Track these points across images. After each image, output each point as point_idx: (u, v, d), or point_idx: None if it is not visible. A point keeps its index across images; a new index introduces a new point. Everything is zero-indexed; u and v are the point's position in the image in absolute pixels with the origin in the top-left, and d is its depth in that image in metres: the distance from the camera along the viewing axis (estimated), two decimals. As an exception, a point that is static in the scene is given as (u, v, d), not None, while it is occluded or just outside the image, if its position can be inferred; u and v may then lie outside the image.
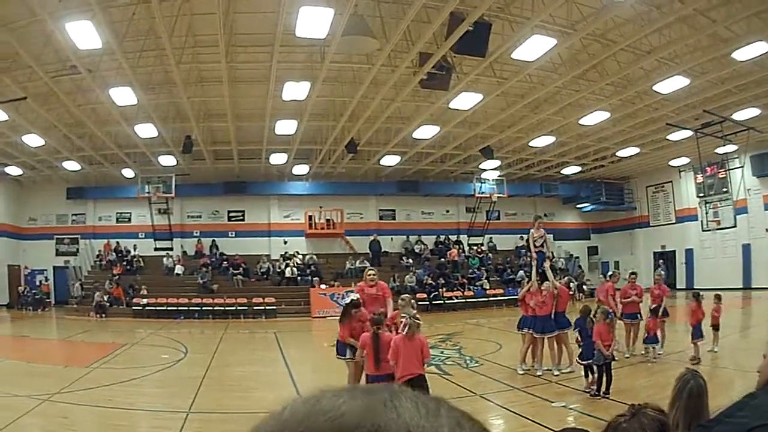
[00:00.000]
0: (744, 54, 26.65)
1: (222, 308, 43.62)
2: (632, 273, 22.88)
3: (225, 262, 49.94)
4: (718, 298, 20.93)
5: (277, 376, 20.06)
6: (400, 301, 15.69)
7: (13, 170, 46.67)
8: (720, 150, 41.58)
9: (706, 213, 43.59)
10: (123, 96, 29.52)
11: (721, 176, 45.46)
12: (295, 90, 29.41)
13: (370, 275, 16.46)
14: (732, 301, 33.88)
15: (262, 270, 49.34)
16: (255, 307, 43.71)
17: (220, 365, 22.35)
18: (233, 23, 24.37)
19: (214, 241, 52.59)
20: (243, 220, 54.12)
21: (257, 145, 41.53)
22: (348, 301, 15.73)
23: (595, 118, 36.50)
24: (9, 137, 36.96)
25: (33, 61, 25.39)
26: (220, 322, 41.22)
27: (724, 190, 44.67)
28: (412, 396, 1.07)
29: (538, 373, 18.20)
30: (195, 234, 53.26)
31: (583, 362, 16.04)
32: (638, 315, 20.97)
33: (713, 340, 20.43)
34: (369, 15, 22.25)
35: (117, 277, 46.66)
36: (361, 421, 1.00)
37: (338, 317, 15.72)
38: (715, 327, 20.45)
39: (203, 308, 43.50)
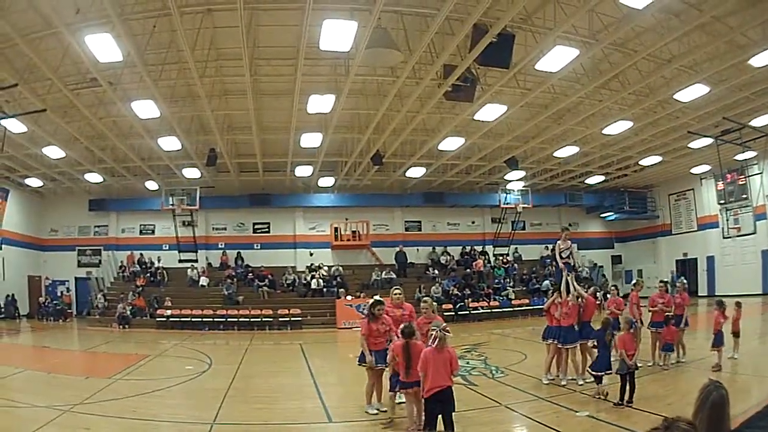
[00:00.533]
0: (761, 60, 26.65)
1: (247, 320, 43.56)
2: (661, 282, 22.59)
3: (250, 274, 49.81)
4: (738, 305, 20.84)
5: (302, 387, 19.90)
6: (422, 304, 15.74)
7: (34, 182, 46.82)
8: (739, 157, 41.41)
9: (727, 220, 43.53)
10: (145, 109, 29.51)
11: (740, 183, 45.40)
12: (320, 103, 29.41)
13: (396, 295, 16.65)
14: (752, 307, 33.79)
15: (287, 281, 49.27)
16: (280, 319, 43.59)
17: (245, 376, 22.20)
18: (256, 36, 24.42)
19: (239, 252, 52.53)
20: (268, 232, 54.19)
21: (282, 157, 41.57)
22: (372, 301, 15.81)
23: (618, 127, 36.54)
24: (29, 149, 37.12)
25: (52, 73, 25.47)
26: (245, 333, 41.20)
27: (744, 196, 44.57)
28: None
29: (563, 383, 18.06)
30: (220, 246, 53.41)
31: (594, 372, 16.05)
32: (665, 324, 20.57)
33: (734, 347, 20.40)
34: (393, 27, 22.31)
35: (140, 288, 46.82)
36: None
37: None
38: (736, 334, 20.40)
39: (228, 320, 43.47)
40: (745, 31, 24.81)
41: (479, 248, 57.10)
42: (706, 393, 5.46)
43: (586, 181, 54.99)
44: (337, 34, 21.38)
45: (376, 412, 15.08)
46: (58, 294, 51.32)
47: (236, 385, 19.97)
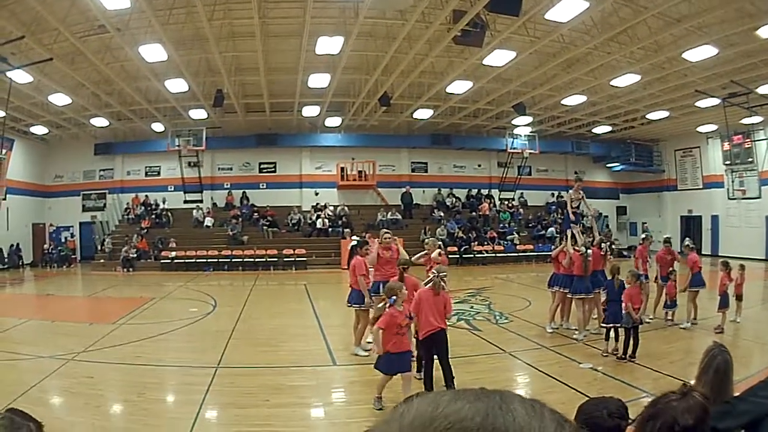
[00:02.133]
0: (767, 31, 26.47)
1: (252, 260, 43.97)
2: (667, 238, 22.69)
3: (256, 214, 50.13)
4: (742, 267, 20.80)
5: (306, 329, 20.14)
6: (425, 244, 15.85)
7: (39, 129, 46.62)
8: (746, 120, 41.67)
9: (732, 181, 43.35)
10: (153, 53, 29.31)
11: (746, 146, 45.55)
12: (329, 44, 29.21)
13: (385, 238, 16.79)
14: (754, 272, 33.81)
15: (293, 221, 49.58)
16: (285, 259, 44.07)
17: (249, 318, 22.52)
18: None
19: (244, 192, 52.57)
20: (274, 171, 54.01)
21: (290, 98, 41.30)
22: (354, 243, 16.56)
23: (626, 80, 36.29)
24: (34, 98, 36.95)
25: (59, 23, 25.27)
26: (249, 273, 41.45)
27: (750, 160, 44.76)
28: (520, 399, 1.25)
29: (570, 330, 18.51)
30: (225, 186, 53.27)
31: (607, 325, 16.04)
32: (668, 279, 20.52)
33: (736, 311, 20.32)
34: None
35: (145, 230, 47.05)
36: (482, 424, 1.14)
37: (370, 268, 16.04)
38: (739, 297, 20.34)
39: (233, 260, 43.94)
40: (753, 1, 24.60)
41: (485, 192, 57.29)
42: (710, 357, 5.49)
43: (593, 131, 54.78)
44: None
45: (366, 354, 15.37)
46: (63, 240, 51.46)
47: (240, 327, 20.33)
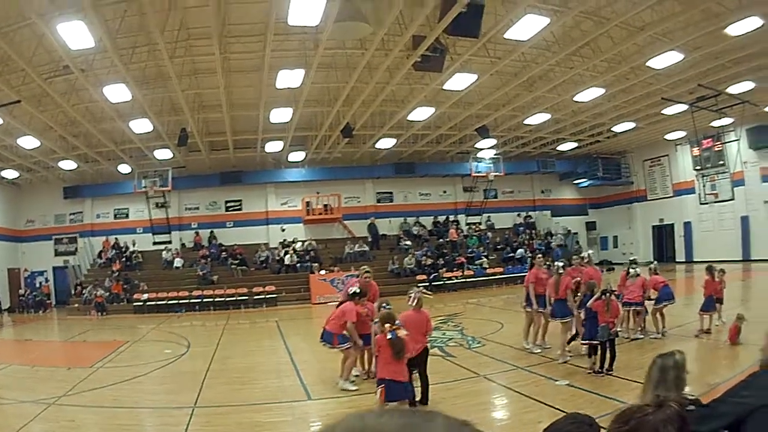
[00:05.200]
0: (737, 29, 26.67)
1: (222, 299, 43.68)
2: (632, 262, 22.49)
3: (224, 253, 50.03)
4: (722, 272, 21.10)
5: (280, 365, 20.27)
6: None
7: (10, 173, 46.54)
8: (716, 123, 41.90)
9: (704, 186, 43.57)
10: (117, 93, 29.44)
11: (717, 149, 45.65)
12: (290, 77, 29.35)
13: (366, 277, 17.61)
14: (732, 273, 33.95)
15: (261, 259, 49.38)
16: (255, 297, 43.84)
17: (223, 357, 22.48)
18: (225, 14, 24.23)
19: (212, 232, 52.56)
20: (240, 209, 54.14)
21: (253, 134, 41.42)
22: (353, 290, 16.46)
23: (590, 94, 36.60)
24: (3, 141, 36.96)
25: (26, 64, 25.29)
26: (221, 313, 41.33)
27: (721, 162, 44.81)
28: (444, 417, 1.33)
29: (536, 351, 18.75)
30: (193, 226, 53.32)
31: (585, 342, 16.27)
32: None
33: (717, 313, 20.55)
34: (361, 0, 22.12)
35: (116, 273, 46.69)
36: None
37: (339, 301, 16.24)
38: (720, 300, 20.58)
39: (204, 300, 43.63)
40: (720, 1, 24.83)
41: (452, 218, 57.39)
42: (653, 363, 6.03)
43: (558, 148, 55.21)
44: (306, 9, 21.29)
45: (355, 389, 15.51)
46: (37, 285, 51.18)
47: (214, 367, 20.32)
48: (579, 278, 18.99)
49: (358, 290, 16.55)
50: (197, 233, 52.77)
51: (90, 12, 20.76)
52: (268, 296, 43.88)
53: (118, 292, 44.58)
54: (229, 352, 23.73)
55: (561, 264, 19.48)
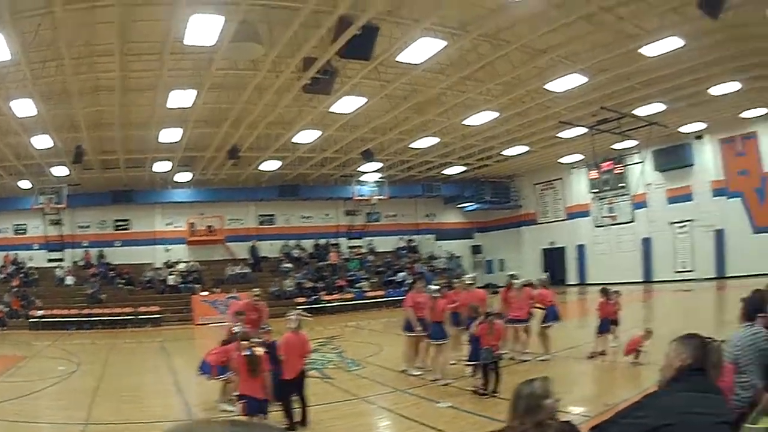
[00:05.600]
0: (654, 49, 26.99)
1: (110, 318, 43.52)
2: (511, 275, 23.49)
3: (112, 272, 49.90)
4: (617, 293, 21.28)
5: (164, 385, 20.38)
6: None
7: None
8: (618, 146, 42.34)
9: (600, 209, 43.97)
10: (24, 107, 29.05)
11: (617, 172, 46.26)
12: (182, 97, 29.32)
13: (255, 297, 19.04)
14: (633, 294, 34.87)
15: (146, 279, 49.30)
16: (141, 316, 43.75)
17: (112, 375, 22.58)
18: (130, 32, 23.98)
19: (101, 251, 52.23)
20: (128, 228, 53.77)
21: (143, 153, 41.06)
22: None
23: (482, 118, 36.80)
24: None
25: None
26: (108, 331, 41.33)
27: (621, 185, 45.54)
28: (269, 427, 1.53)
29: (416, 373, 18.90)
30: (84, 244, 52.76)
31: (469, 363, 16.63)
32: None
33: (613, 335, 20.74)
34: (258, 21, 22.33)
35: (16, 289, 46.23)
36: None
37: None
38: (615, 322, 20.74)
39: (93, 318, 43.32)
40: (638, 22, 25.23)
41: (333, 241, 57.98)
42: (516, 391, 6.13)
43: (444, 172, 55.52)
44: (203, 29, 21.27)
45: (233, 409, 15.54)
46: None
47: (103, 386, 20.25)
48: (458, 301, 19.65)
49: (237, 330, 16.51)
50: (87, 251, 52.33)
51: (8, 25, 20.65)
52: (152, 316, 43.88)
53: (17, 308, 44.18)
54: (117, 371, 23.75)
55: (436, 287, 19.89)
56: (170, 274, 48.88)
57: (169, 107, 30.41)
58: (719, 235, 45.80)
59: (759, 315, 9.41)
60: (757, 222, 44.19)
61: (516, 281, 21.93)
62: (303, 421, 13.65)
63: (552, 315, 21.40)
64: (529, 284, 22.69)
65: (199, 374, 16.75)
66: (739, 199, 45.39)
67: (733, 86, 33.70)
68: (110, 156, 42.04)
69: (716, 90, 34.29)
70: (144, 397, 18.41)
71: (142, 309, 44.14)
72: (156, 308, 44.39)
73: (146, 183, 49.82)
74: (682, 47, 26.77)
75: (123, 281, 48.20)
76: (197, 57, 26.03)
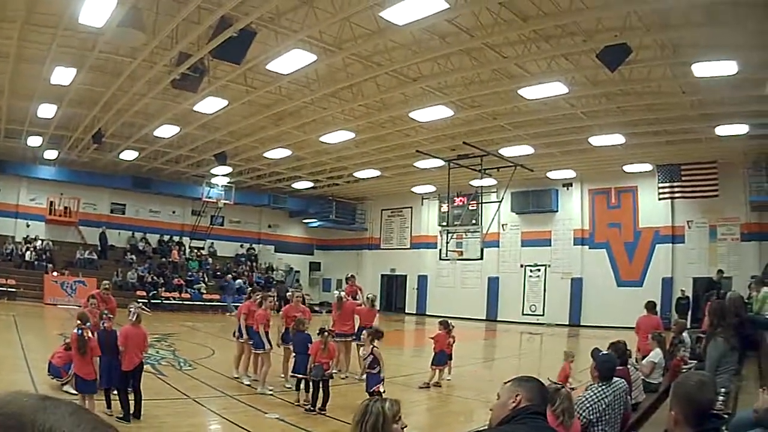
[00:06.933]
0: (534, 92, 27.39)
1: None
2: (348, 279, 24.44)
3: (-25, 241, 48.47)
4: (452, 326, 21.37)
5: (15, 360, 19.92)
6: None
7: None
8: (476, 182, 42.08)
9: (447, 242, 43.78)
10: None
11: (472, 208, 46.34)
12: (63, 75, 28.85)
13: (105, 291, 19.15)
14: (474, 332, 35.24)
15: (6, 251, 48.19)
16: (1, 288, 42.66)
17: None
18: (38, 2, 23.42)
19: (-35, 219, 50.87)
20: (-3, 199, 52.56)
21: (22, 125, 39.88)
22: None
23: (339, 137, 37.21)
24: None
25: None
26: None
27: (474, 222, 45.43)
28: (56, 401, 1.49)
29: (246, 382, 18.96)
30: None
31: (295, 375, 16.71)
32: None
33: (448, 368, 20.93)
34: (147, 9, 22.20)
35: None
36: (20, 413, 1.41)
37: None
38: (449, 356, 20.84)
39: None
40: (523, 63, 25.53)
41: (177, 238, 58.00)
42: (363, 407, 5.88)
43: (293, 185, 56.19)
44: (97, 10, 20.93)
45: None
46: None
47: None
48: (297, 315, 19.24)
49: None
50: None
51: None
52: (9, 290, 42.87)
53: None
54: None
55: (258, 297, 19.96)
56: (26, 250, 47.91)
57: (53, 83, 29.82)
58: (577, 283, 46.74)
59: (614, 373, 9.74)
60: (623, 275, 44.99)
61: (337, 292, 22.75)
62: (137, 413, 13.57)
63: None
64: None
65: (49, 376, 16.42)
66: (603, 250, 46.29)
67: (617, 139, 34.56)
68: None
69: (597, 140, 35.07)
70: (-2, 370, 18.19)
71: (1, 281, 43.16)
72: (13, 282, 43.47)
73: (18, 155, 48.88)
74: (565, 94, 27.51)
75: (-17, 252, 47.07)
76: (85, 37, 25.64)
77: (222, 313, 47.00)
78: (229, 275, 52.56)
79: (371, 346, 15.31)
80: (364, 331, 17.61)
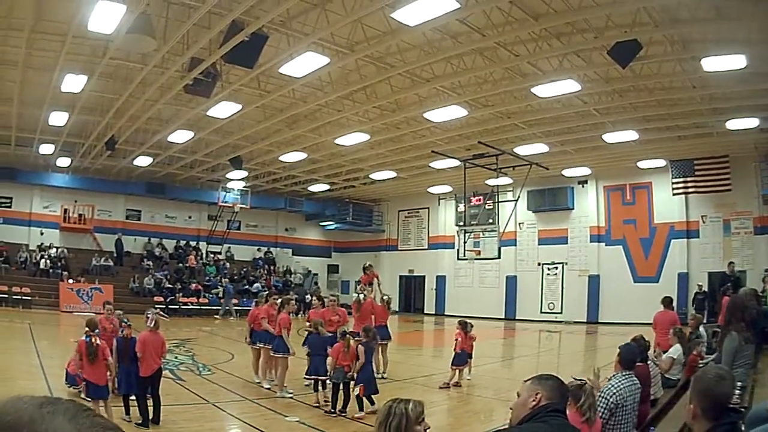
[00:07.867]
0: (547, 90, 27.37)
1: (-14, 295, 42.46)
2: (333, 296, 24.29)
3: (-10, 249, 48.62)
4: (471, 326, 21.24)
5: (30, 368, 19.98)
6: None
7: None
8: (492, 181, 41.87)
9: (465, 242, 43.60)
10: None
11: (488, 207, 45.52)
12: (73, 82, 28.88)
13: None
14: (493, 331, 34.92)
15: (21, 259, 48.29)
16: (14, 296, 42.67)
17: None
18: (45, 9, 23.56)
19: (-21, 227, 50.85)
20: (10, 207, 52.05)
21: (33, 133, 40.02)
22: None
23: (354, 139, 37.07)
24: None
25: None
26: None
27: (490, 221, 44.54)
28: (55, 402, 1.50)
29: (266, 386, 18.89)
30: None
31: (309, 377, 16.88)
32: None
33: (468, 368, 20.81)
34: (157, 15, 22.17)
35: None
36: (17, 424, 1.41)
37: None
38: (469, 355, 20.72)
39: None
40: (535, 61, 25.53)
41: (194, 243, 57.80)
42: (387, 408, 5.91)
43: (309, 188, 56.18)
44: (106, 16, 20.98)
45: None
46: None
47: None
48: (333, 318, 19.67)
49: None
50: (-35, 227, 51.14)
51: None
52: (24, 297, 42.89)
53: None
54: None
55: (279, 301, 19.87)
56: (41, 258, 47.98)
57: (63, 90, 29.86)
58: (594, 280, 46.54)
59: (636, 364, 9.90)
60: (639, 271, 44.74)
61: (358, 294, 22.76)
62: (156, 419, 13.68)
63: (382, 334, 21.07)
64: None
65: (67, 385, 16.56)
66: (620, 246, 46.02)
67: (630, 135, 34.39)
68: (4, 132, 41.15)
69: (610, 137, 34.90)
70: (11, 378, 17.97)
71: (16, 289, 43.14)
72: (27, 290, 43.44)
73: (30, 163, 48.88)
74: (577, 91, 27.45)
75: (1, 259, 47.00)
76: (95, 44, 25.76)
77: (241, 317, 44.96)
78: (244, 279, 53.27)
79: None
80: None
